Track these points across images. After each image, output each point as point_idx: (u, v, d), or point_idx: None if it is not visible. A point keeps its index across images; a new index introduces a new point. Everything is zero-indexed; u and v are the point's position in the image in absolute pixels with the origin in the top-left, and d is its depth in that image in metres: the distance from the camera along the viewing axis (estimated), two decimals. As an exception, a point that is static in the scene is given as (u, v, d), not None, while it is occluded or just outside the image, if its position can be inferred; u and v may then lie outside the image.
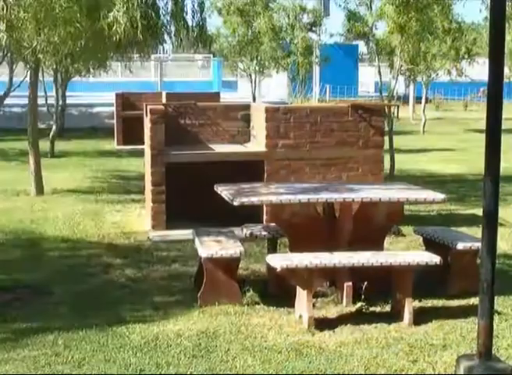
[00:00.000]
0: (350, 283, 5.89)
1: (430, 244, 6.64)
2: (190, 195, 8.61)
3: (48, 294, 6.31)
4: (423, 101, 23.41)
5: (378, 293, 5.95)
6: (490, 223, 4.27)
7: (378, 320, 5.66)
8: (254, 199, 6.02)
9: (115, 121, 17.47)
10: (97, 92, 25.87)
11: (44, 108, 17.44)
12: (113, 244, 8.04)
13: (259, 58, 20.84)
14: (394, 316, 5.71)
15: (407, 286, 5.70)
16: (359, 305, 5.87)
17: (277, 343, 5.23)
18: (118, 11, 8.98)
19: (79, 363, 4.88)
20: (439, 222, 8.79)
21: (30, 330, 5.43)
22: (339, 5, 13.33)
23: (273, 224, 6.62)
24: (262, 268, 6.87)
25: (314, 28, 22.71)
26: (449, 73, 22.14)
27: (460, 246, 6.27)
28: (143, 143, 9.25)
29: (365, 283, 5.93)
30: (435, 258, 5.75)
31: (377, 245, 6.17)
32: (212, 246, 6.13)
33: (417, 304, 5.95)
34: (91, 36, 9.63)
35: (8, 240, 8.28)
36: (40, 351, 5.05)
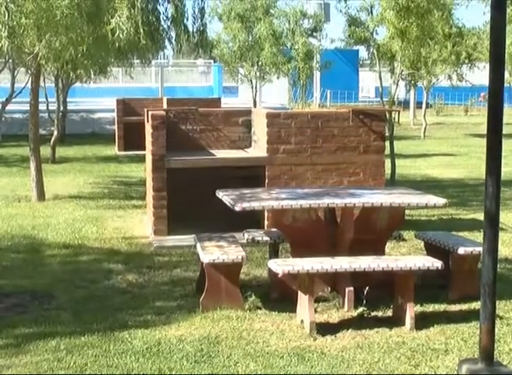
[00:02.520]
0: (352, 288, 5.89)
1: (431, 249, 6.65)
2: (191, 201, 8.62)
3: (49, 300, 6.31)
4: (424, 106, 23.44)
5: (379, 298, 5.94)
6: (491, 225, 4.27)
7: (380, 325, 5.66)
8: (256, 204, 6.02)
9: (115, 127, 17.55)
10: (98, 98, 25.94)
11: (46, 114, 17.46)
12: (115, 250, 8.04)
13: (260, 63, 20.87)
14: (396, 321, 5.71)
15: (408, 291, 5.70)
16: (360, 309, 5.86)
17: (279, 348, 5.23)
18: (120, 16, 8.99)
19: (81, 369, 4.88)
20: (440, 227, 8.78)
21: (31, 336, 5.43)
22: (340, 11, 13.34)
23: (274, 229, 6.62)
24: (264, 273, 6.88)
25: (314, 33, 22.72)
26: (450, 78, 22.21)
27: (462, 251, 6.27)
28: (144, 149, 9.26)
29: (367, 288, 5.93)
30: (436, 263, 5.75)
31: (378, 250, 6.17)
32: (214, 251, 6.13)
33: (418, 308, 5.95)
34: (93, 42, 9.64)
35: (10, 246, 8.28)
36: (43, 357, 5.05)
